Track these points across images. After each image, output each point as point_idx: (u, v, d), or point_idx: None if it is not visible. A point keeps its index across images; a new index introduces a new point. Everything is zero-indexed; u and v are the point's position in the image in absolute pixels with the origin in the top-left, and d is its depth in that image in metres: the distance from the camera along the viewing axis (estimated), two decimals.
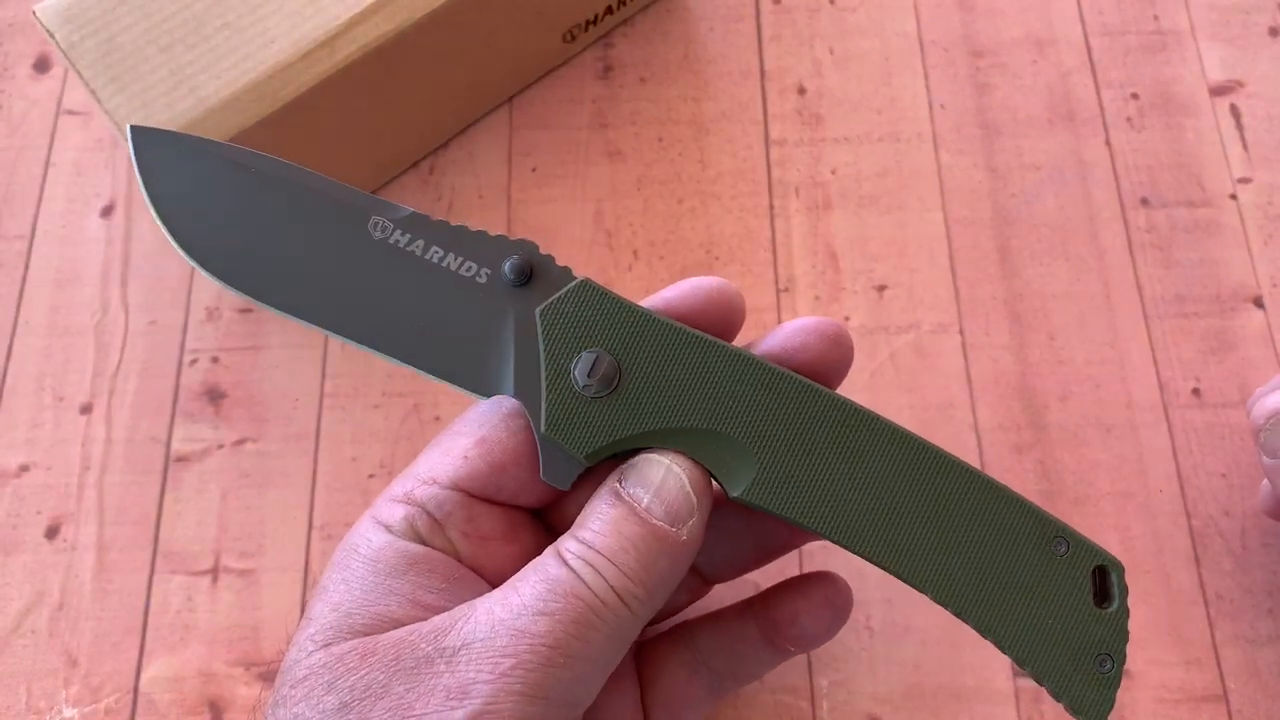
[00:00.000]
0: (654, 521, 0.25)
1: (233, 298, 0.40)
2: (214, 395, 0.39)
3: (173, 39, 0.35)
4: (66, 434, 0.38)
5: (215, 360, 0.39)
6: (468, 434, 0.27)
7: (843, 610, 0.30)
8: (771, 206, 0.42)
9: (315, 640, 0.25)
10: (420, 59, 0.38)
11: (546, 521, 0.29)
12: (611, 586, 0.24)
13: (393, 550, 0.26)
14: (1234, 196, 0.41)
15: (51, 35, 0.35)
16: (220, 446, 0.38)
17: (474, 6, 0.37)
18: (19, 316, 0.40)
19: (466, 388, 0.27)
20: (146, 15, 0.35)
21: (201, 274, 0.28)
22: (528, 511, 0.28)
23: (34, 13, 0.35)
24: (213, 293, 0.40)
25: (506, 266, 0.26)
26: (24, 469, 0.38)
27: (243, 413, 0.38)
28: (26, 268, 0.41)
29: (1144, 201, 0.41)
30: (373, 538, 0.27)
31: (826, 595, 0.30)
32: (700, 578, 0.31)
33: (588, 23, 0.43)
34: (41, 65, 0.44)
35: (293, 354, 0.39)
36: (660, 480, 0.25)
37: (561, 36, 0.42)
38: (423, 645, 0.24)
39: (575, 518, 0.27)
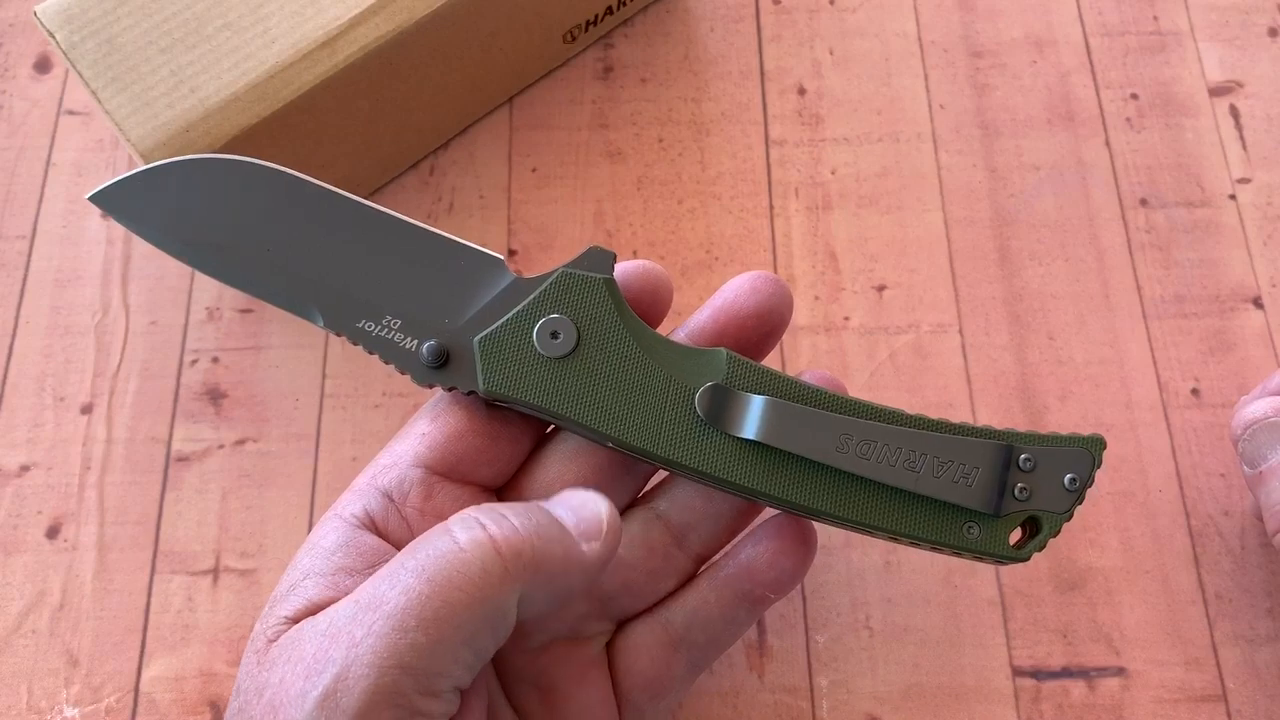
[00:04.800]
0: (554, 510, 0.25)
1: (233, 298, 0.40)
2: (214, 395, 0.39)
3: (173, 39, 0.35)
4: (67, 434, 0.38)
5: (216, 360, 0.39)
6: (422, 418, 0.29)
7: (812, 545, 0.30)
8: (771, 207, 0.42)
9: (268, 613, 0.26)
10: (420, 59, 0.38)
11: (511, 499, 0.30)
12: (488, 537, 0.24)
13: (333, 537, 0.27)
14: (1233, 197, 0.42)
15: (52, 36, 0.35)
16: (221, 446, 0.38)
17: (474, 7, 0.37)
18: (19, 316, 0.40)
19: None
20: (147, 15, 0.35)
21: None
22: (489, 493, 0.29)
23: (34, 13, 0.35)
24: (213, 293, 0.40)
25: (424, 350, 0.28)
26: (25, 469, 0.38)
27: (243, 413, 0.38)
28: (27, 268, 0.41)
29: (1143, 202, 0.41)
30: (320, 529, 0.27)
31: (795, 532, 0.30)
32: (692, 559, 0.31)
33: (588, 23, 0.43)
34: (42, 66, 0.44)
35: (293, 354, 0.39)
36: (580, 502, 0.26)
37: (562, 37, 0.42)
38: (306, 629, 0.24)
39: (534, 498, 0.28)
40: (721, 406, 0.27)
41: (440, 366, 0.28)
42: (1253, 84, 0.43)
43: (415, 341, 0.28)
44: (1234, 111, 0.43)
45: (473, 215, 0.41)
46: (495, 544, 0.24)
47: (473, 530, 0.24)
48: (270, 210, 0.29)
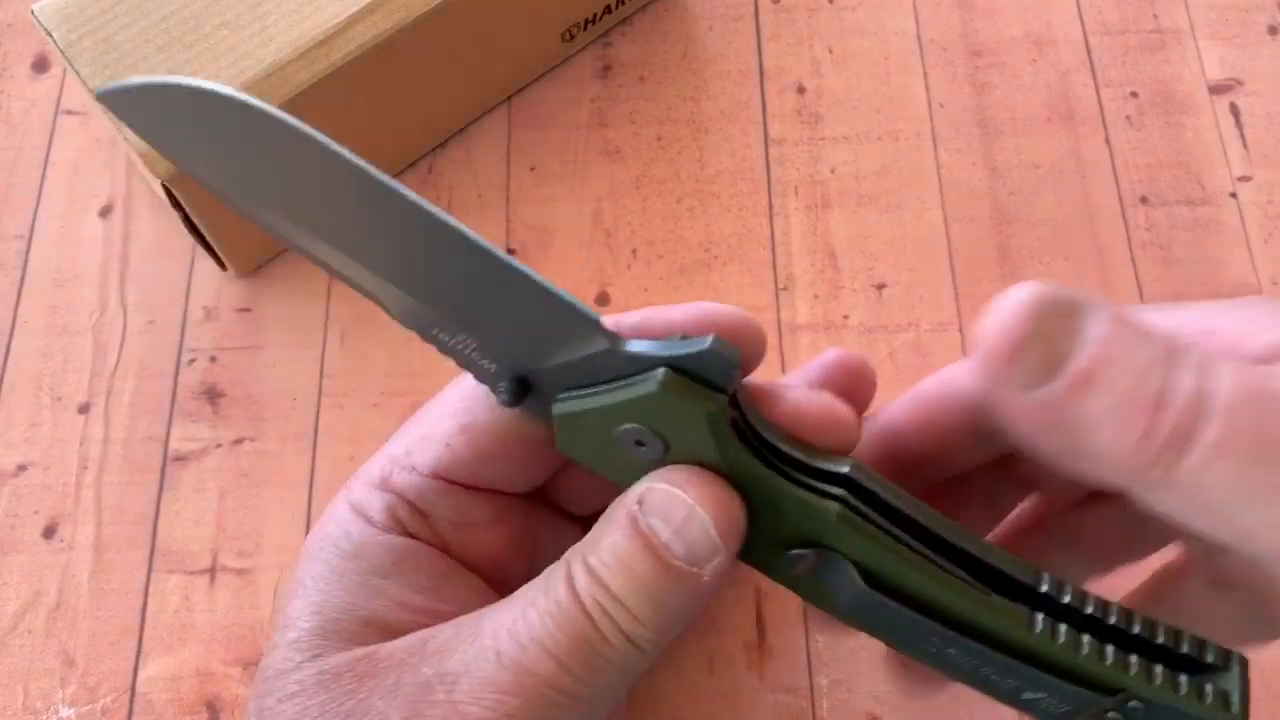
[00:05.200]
0: (673, 562, 0.22)
1: (231, 297, 0.40)
2: (212, 395, 0.39)
3: (170, 38, 0.35)
4: (64, 434, 0.38)
5: (213, 360, 0.39)
6: (450, 417, 0.26)
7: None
8: (770, 205, 0.41)
9: (302, 649, 0.24)
10: (418, 58, 0.38)
11: (541, 505, 0.28)
12: (622, 631, 0.22)
13: (376, 545, 0.25)
14: (1234, 195, 0.41)
15: (49, 34, 0.35)
16: (218, 446, 0.38)
17: (472, 5, 0.37)
18: (17, 316, 0.40)
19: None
20: (144, 14, 0.35)
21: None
22: (521, 498, 0.27)
23: (32, 12, 0.35)
24: (211, 292, 0.40)
25: (501, 387, 0.24)
26: (22, 469, 0.38)
27: (241, 412, 0.38)
28: (25, 268, 0.41)
29: (1144, 200, 0.41)
30: (353, 530, 0.25)
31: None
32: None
33: (586, 22, 0.42)
34: (40, 65, 0.44)
35: (291, 353, 0.39)
36: (683, 520, 0.23)
37: (560, 35, 0.42)
38: (424, 668, 0.23)
39: (570, 493, 0.27)
40: (814, 574, 0.24)
41: (518, 401, 0.24)
42: (1253, 82, 0.43)
43: (494, 366, 0.25)
44: (1234, 109, 0.43)
45: (471, 214, 0.41)
46: (634, 643, 0.23)
47: (609, 624, 0.23)
48: (323, 187, 0.24)
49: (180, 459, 0.38)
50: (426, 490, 0.26)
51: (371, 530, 0.25)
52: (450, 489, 0.26)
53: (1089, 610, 0.23)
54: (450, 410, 0.26)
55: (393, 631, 0.24)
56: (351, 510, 0.26)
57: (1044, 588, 0.24)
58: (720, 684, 0.35)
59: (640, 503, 0.23)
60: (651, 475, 0.23)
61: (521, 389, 0.24)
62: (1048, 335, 0.20)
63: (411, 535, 0.26)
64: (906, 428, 0.25)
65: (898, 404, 0.26)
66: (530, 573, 0.24)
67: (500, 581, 0.27)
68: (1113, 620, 0.23)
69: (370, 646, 0.24)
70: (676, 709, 0.34)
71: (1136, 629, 0.23)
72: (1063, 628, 0.23)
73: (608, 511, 0.24)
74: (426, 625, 0.24)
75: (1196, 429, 0.19)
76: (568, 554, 0.24)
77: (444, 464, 0.26)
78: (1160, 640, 0.23)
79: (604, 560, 0.23)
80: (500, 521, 0.27)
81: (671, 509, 0.23)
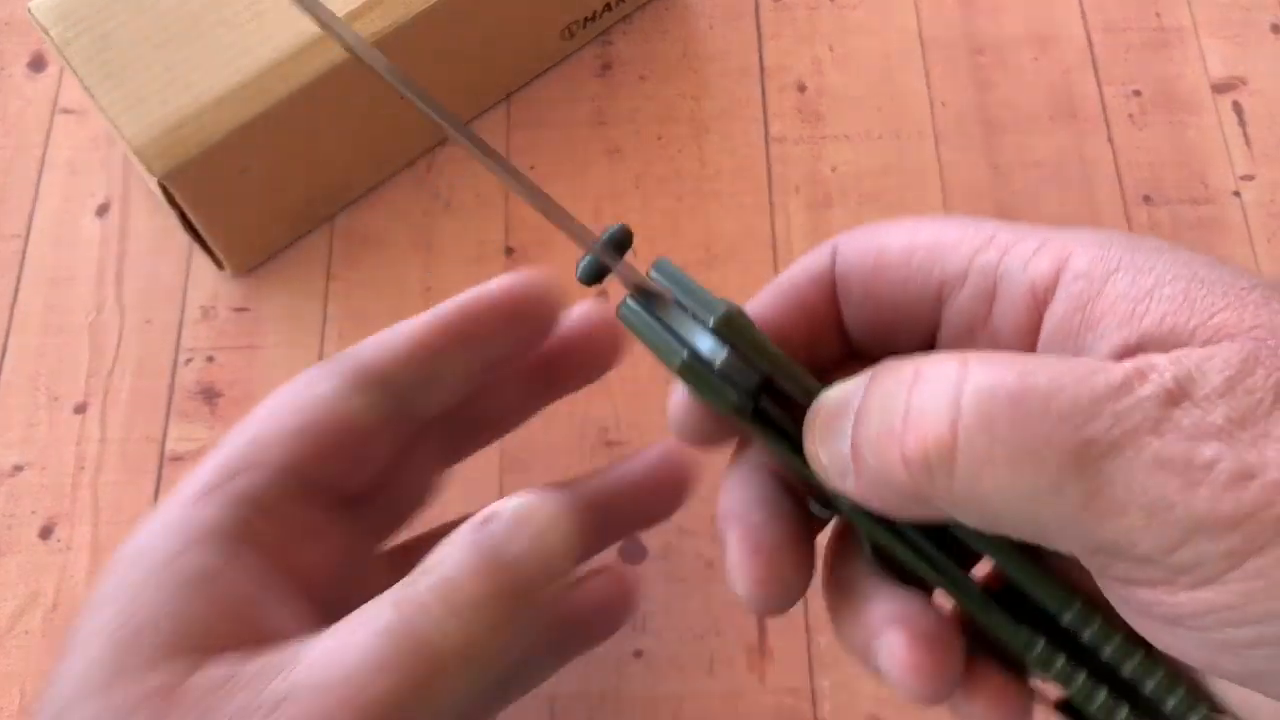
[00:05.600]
0: (509, 579, 0.23)
1: (229, 296, 0.40)
2: (209, 395, 0.38)
3: (168, 35, 0.35)
4: (61, 433, 0.38)
5: (210, 359, 0.39)
6: (294, 413, 0.26)
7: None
8: (772, 204, 0.41)
9: (100, 671, 0.22)
10: (417, 56, 0.37)
11: (361, 516, 0.27)
12: (458, 646, 0.22)
13: (198, 552, 0.23)
14: (1237, 194, 0.41)
15: (46, 32, 0.35)
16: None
17: (471, 3, 0.37)
18: (14, 315, 0.40)
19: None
20: (141, 11, 0.35)
21: None
22: (345, 506, 0.27)
23: (29, 9, 0.35)
24: (208, 291, 0.40)
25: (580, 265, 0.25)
26: (18, 469, 0.37)
27: (238, 412, 0.38)
28: (21, 267, 0.40)
29: (1147, 199, 0.41)
30: (177, 535, 0.24)
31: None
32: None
33: (586, 19, 0.42)
34: (37, 64, 0.44)
35: (288, 353, 0.39)
36: (528, 540, 0.23)
37: (560, 33, 0.42)
38: (238, 693, 0.21)
39: (392, 504, 0.27)
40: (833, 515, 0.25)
41: (594, 282, 0.25)
42: (1256, 80, 0.43)
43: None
44: (1237, 108, 0.43)
45: (470, 214, 0.41)
46: (466, 654, 0.22)
47: (439, 636, 0.22)
48: None
49: (177, 459, 0.37)
50: (270, 488, 0.25)
51: (198, 535, 0.24)
52: (294, 490, 0.25)
53: (1105, 654, 0.22)
54: (291, 407, 0.26)
55: (200, 653, 0.22)
56: (181, 512, 0.24)
57: (1066, 619, 0.22)
58: (721, 686, 0.35)
59: (486, 520, 0.23)
60: (504, 500, 0.24)
61: (599, 274, 0.25)
62: (825, 443, 0.21)
63: (246, 541, 0.24)
64: (772, 318, 0.25)
65: (762, 296, 0.26)
66: (360, 596, 0.23)
67: (327, 603, 0.25)
68: (1126, 671, 0.22)
69: (168, 678, 0.22)
70: (677, 711, 0.34)
71: (1149, 687, 0.22)
72: (1060, 659, 0.22)
73: (444, 542, 0.23)
74: (238, 649, 0.22)
75: (956, 440, 0.19)
76: (397, 586, 0.23)
77: (293, 458, 0.25)
78: (1169, 705, 0.22)
79: (442, 574, 0.22)
80: (339, 529, 0.26)
81: (517, 527, 0.23)
